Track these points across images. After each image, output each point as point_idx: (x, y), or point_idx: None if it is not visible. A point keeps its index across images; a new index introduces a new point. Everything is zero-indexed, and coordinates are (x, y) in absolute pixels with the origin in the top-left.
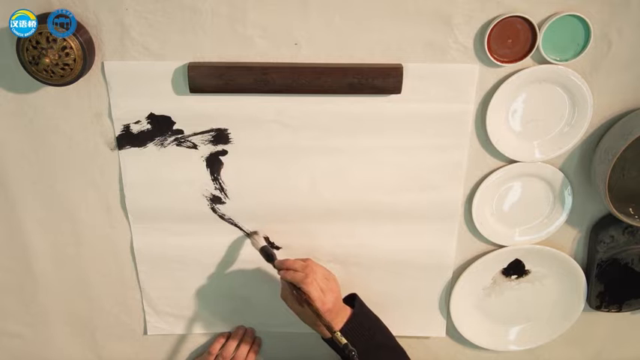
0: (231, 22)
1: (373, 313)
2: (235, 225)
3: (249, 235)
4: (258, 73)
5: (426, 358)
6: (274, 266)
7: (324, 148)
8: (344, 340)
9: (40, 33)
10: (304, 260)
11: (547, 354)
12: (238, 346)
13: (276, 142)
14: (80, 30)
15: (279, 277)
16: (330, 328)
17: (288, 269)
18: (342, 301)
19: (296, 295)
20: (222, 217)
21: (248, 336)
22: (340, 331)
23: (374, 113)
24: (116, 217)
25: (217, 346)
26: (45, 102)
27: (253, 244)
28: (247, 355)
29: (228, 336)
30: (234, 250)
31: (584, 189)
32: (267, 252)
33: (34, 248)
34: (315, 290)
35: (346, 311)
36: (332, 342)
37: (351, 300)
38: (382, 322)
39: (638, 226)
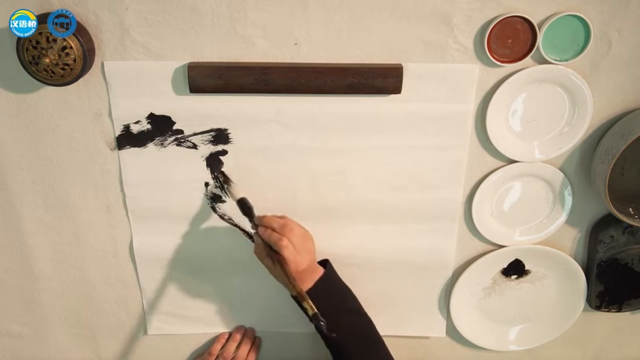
0: (231, 22)
1: (342, 281)
2: (235, 225)
3: (223, 182)
4: (258, 73)
5: (426, 358)
6: (252, 221)
7: (324, 148)
8: (314, 309)
9: (40, 33)
10: (282, 218)
11: (547, 354)
12: (239, 346)
13: (276, 142)
14: (80, 30)
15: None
16: (301, 295)
17: (265, 227)
18: (316, 262)
19: (270, 253)
20: (222, 216)
21: (248, 336)
22: (310, 290)
23: (374, 113)
24: (116, 217)
25: (218, 347)
26: (45, 102)
27: (231, 194)
28: (248, 355)
29: (229, 336)
30: (234, 250)
31: (584, 189)
32: (247, 204)
33: (34, 248)
34: (289, 252)
35: (318, 272)
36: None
37: (324, 263)
38: (351, 291)
39: (638, 226)
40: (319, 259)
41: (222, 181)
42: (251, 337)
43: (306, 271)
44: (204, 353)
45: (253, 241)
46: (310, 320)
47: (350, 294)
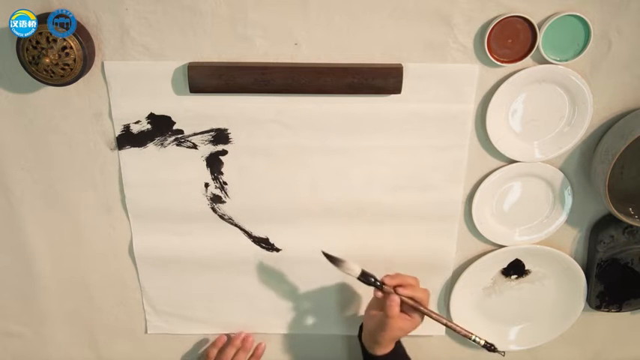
0: (231, 23)
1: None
2: (235, 225)
3: (334, 264)
4: (258, 73)
5: (426, 358)
6: (381, 288)
7: (324, 148)
8: (483, 340)
9: (40, 33)
10: (413, 278)
11: (547, 354)
12: (238, 352)
13: (276, 142)
14: (80, 30)
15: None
16: (468, 334)
17: (402, 285)
18: None
19: (406, 309)
20: (222, 217)
21: (247, 342)
22: (394, 349)
23: (374, 113)
24: (116, 217)
25: (214, 351)
26: (45, 102)
27: (349, 271)
28: None
29: (226, 338)
30: (234, 249)
31: (584, 189)
32: (369, 275)
33: (34, 248)
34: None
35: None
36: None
37: None
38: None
39: (638, 226)
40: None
41: (333, 263)
42: (250, 344)
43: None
44: (201, 356)
45: (253, 240)
46: (488, 349)
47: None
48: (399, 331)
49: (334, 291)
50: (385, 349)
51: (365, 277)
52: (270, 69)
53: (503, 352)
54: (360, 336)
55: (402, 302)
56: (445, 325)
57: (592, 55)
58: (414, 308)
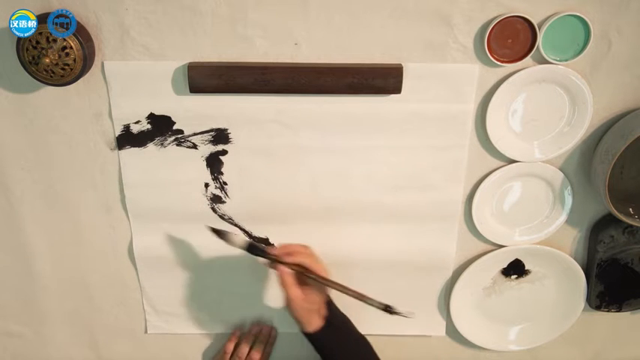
0: (231, 22)
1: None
2: (235, 225)
3: (220, 237)
4: (258, 73)
5: (426, 358)
6: (268, 257)
7: (324, 148)
8: (379, 302)
9: (40, 33)
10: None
11: (547, 354)
12: (253, 344)
13: (276, 142)
14: (80, 30)
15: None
16: (359, 295)
17: (289, 253)
18: None
19: (298, 277)
20: (222, 217)
21: (263, 334)
22: (324, 324)
23: (374, 113)
24: (116, 217)
25: (231, 345)
26: (45, 102)
27: (235, 244)
28: (262, 353)
29: (240, 333)
30: (234, 250)
31: (584, 189)
32: (256, 247)
33: (34, 248)
34: (322, 268)
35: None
36: (315, 334)
37: None
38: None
39: (638, 226)
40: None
41: (219, 236)
42: (266, 334)
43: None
44: (219, 351)
45: (253, 240)
46: (387, 311)
47: (351, 322)
48: (303, 303)
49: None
50: (309, 324)
51: (251, 249)
52: (270, 69)
53: (412, 313)
54: None
55: (300, 274)
56: (338, 289)
57: (592, 55)
58: (305, 276)
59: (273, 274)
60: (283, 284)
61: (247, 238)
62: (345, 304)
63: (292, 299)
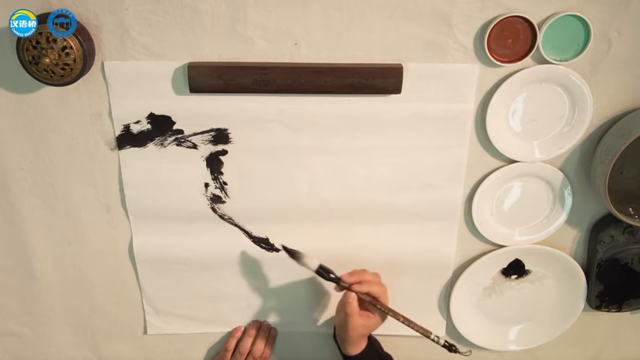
0: (231, 22)
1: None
2: (235, 225)
3: (293, 258)
4: (258, 73)
5: (426, 358)
6: (340, 284)
7: (324, 148)
8: (442, 339)
9: (40, 33)
10: (374, 274)
11: (547, 354)
12: (255, 340)
13: (276, 142)
14: (80, 30)
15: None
16: (426, 332)
17: (360, 282)
18: None
19: (368, 306)
20: (222, 217)
21: (263, 330)
22: (362, 352)
23: (374, 113)
24: (116, 217)
25: (233, 342)
26: (45, 102)
27: (306, 265)
28: (264, 350)
29: (243, 330)
30: (234, 249)
31: (584, 189)
32: (326, 269)
33: (34, 248)
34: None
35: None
36: (357, 358)
37: None
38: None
39: (638, 226)
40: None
41: (291, 256)
42: (266, 330)
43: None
44: (221, 350)
45: (253, 240)
46: (448, 349)
47: (379, 343)
48: (361, 329)
49: (334, 291)
50: (355, 347)
51: (323, 272)
52: (270, 69)
53: (469, 351)
54: (334, 336)
55: (361, 299)
56: (402, 322)
57: (592, 55)
58: (372, 305)
59: (272, 275)
60: (349, 311)
61: (319, 262)
62: None
63: (354, 327)
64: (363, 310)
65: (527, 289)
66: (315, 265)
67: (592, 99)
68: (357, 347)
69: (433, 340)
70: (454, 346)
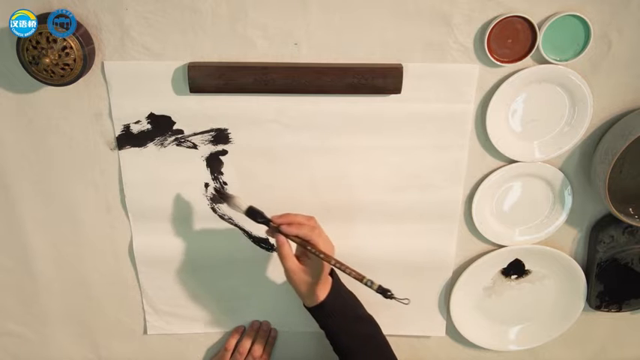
0: (231, 22)
1: (347, 288)
2: (235, 225)
3: (224, 200)
4: (258, 73)
5: (426, 358)
6: (268, 224)
7: (324, 148)
8: (377, 284)
9: (40, 33)
10: (308, 218)
11: (547, 354)
12: (254, 340)
13: (276, 142)
14: (80, 30)
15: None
16: (355, 273)
17: (290, 224)
18: None
19: (301, 250)
20: (222, 217)
21: (263, 330)
22: (325, 300)
23: (374, 113)
24: (116, 217)
25: (233, 342)
26: (45, 102)
27: (237, 207)
28: (264, 350)
29: (243, 330)
30: (234, 249)
31: (584, 189)
32: (256, 211)
33: (34, 248)
34: (325, 241)
35: (329, 280)
36: (317, 309)
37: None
38: (356, 297)
39: (638, 226)
40: None
41: (222, 199)
42: (266, 330)
43: (321, 281)
44: (220, 350)
45: (253, 240)
46: (382, 293)
47: (357, 300)
48: (304, 275)
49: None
50: (312, 298)
51: (252, 214)
52: (270, 69)
53: (407, 299)
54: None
55: (297, 244)
56: (336, 266)
57: (592, 55)
58: (303, 248)
59: (272, 274)
60: (280, 255)
61: (249, 204)
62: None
63: (290, 271)
64: (304, 258)
65: (528, 289)
66: (245, 207)
67: (592, 99)
68: (312, 298)
69: (366, 285)
70: (389, 291)
